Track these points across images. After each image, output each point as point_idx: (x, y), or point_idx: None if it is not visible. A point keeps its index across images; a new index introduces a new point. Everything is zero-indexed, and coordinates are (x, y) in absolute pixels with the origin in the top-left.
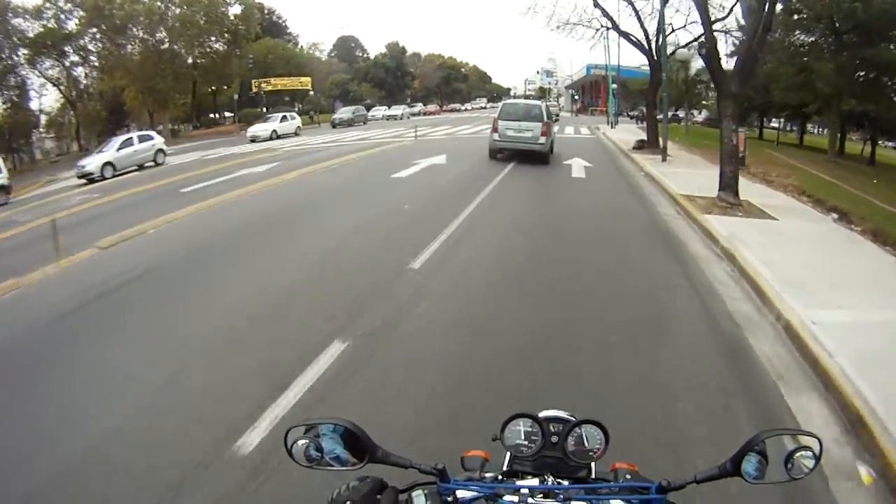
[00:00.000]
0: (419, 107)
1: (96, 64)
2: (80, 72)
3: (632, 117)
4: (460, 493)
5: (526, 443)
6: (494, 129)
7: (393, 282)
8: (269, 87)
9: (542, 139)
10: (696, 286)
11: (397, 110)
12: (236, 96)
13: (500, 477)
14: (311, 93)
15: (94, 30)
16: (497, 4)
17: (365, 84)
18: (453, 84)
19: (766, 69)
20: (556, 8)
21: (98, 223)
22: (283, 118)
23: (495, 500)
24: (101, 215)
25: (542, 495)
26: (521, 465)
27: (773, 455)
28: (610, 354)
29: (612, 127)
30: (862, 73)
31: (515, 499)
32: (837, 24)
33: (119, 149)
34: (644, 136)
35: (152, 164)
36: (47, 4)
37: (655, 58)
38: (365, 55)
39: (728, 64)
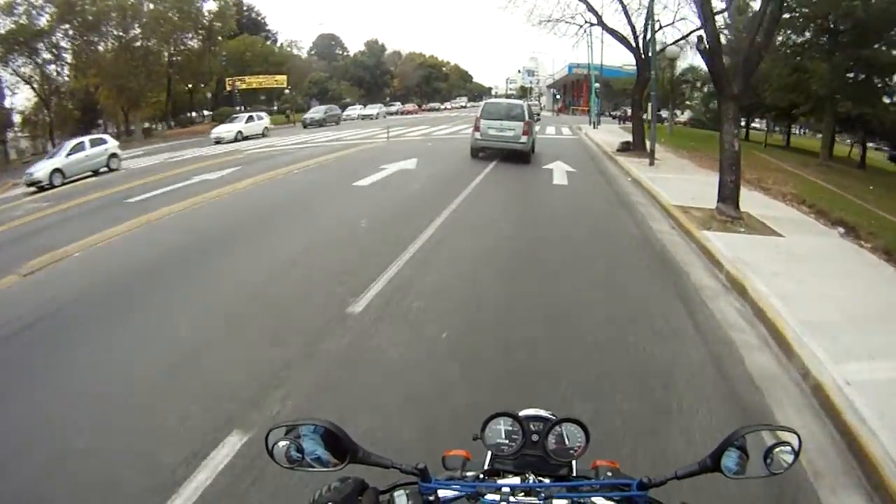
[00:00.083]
0: (397, 106)
1: (70, 61)
2: (52, 69)
3: (614, 117)
4: (442, 493)
5: (507, 442)
6: (476, 128)
7: (324, 335)
8: (244, 86)
9: (524, 138)
10: (703, 332)
11: (373, 109)
12: (209, 94)
13: (481, 476)
14: (287, 91)
15: (67, 26)
16: (479, 1)
17: (344, 83)
18: (434, 83)
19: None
20: (538, 1)
21: (31, 241)
22: (250, 118)
23: (477, 500)
24: (37, 231)
25: (523, 494)
26: (503, 464)
27: (752, 450)
28: (599, 449)
29: (594, 127)
30: (854, 75)
31: (497, 497)
32: (832, 24)
33: (69, 154)
34: (628, 138)
35: (106, 169)
36: (18, 0)
37: (643, 55)
38: (345, 53)
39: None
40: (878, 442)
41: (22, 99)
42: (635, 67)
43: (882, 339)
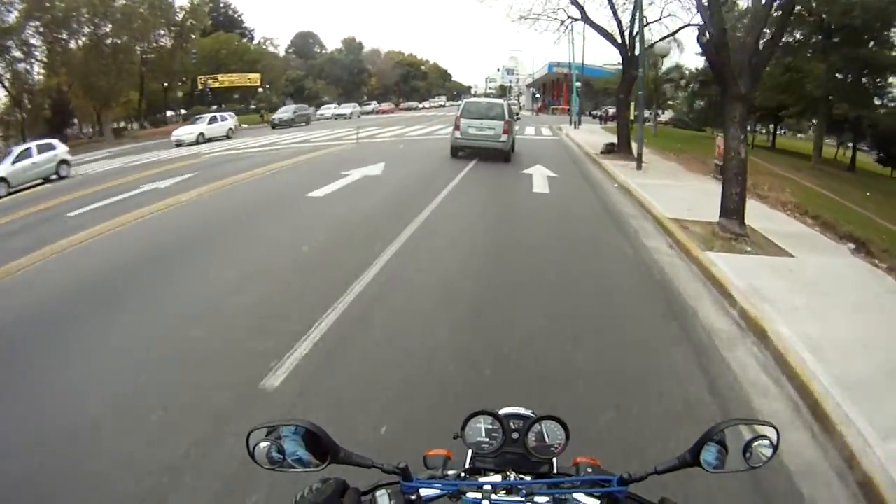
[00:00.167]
0: (373, 105)
1: (41, 59)
2: (21, 68)
3: (594, 117)
4: (423, 492)
5: (487, 440)
6: (457, 127)
7: (231, 419)
8: (217, 84)
9: (504, 137)
10: (725, 403)
11: (347, 108)
12: (180, 94)
13: (462, 474)
14: (262, 90)
15: (38, 23)
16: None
17: (321, 81)
18: (412, 82)
19: None
20: None
21: None
22: (213, 119)
23: (458, 498)
24: None
25: (504, 491)
26: (483, 462)
27: (731, 445)
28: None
29: (574, 127)
30: (850, 75)
31: (478, 496)
32: (827, 23)
33: (14, 161)
34: (611, 138)
35: (56, 176)
36: None
37: (629, 52)
38: (323, 51)
39: None
40: None
41: None
42: (620, 66)
43: None
